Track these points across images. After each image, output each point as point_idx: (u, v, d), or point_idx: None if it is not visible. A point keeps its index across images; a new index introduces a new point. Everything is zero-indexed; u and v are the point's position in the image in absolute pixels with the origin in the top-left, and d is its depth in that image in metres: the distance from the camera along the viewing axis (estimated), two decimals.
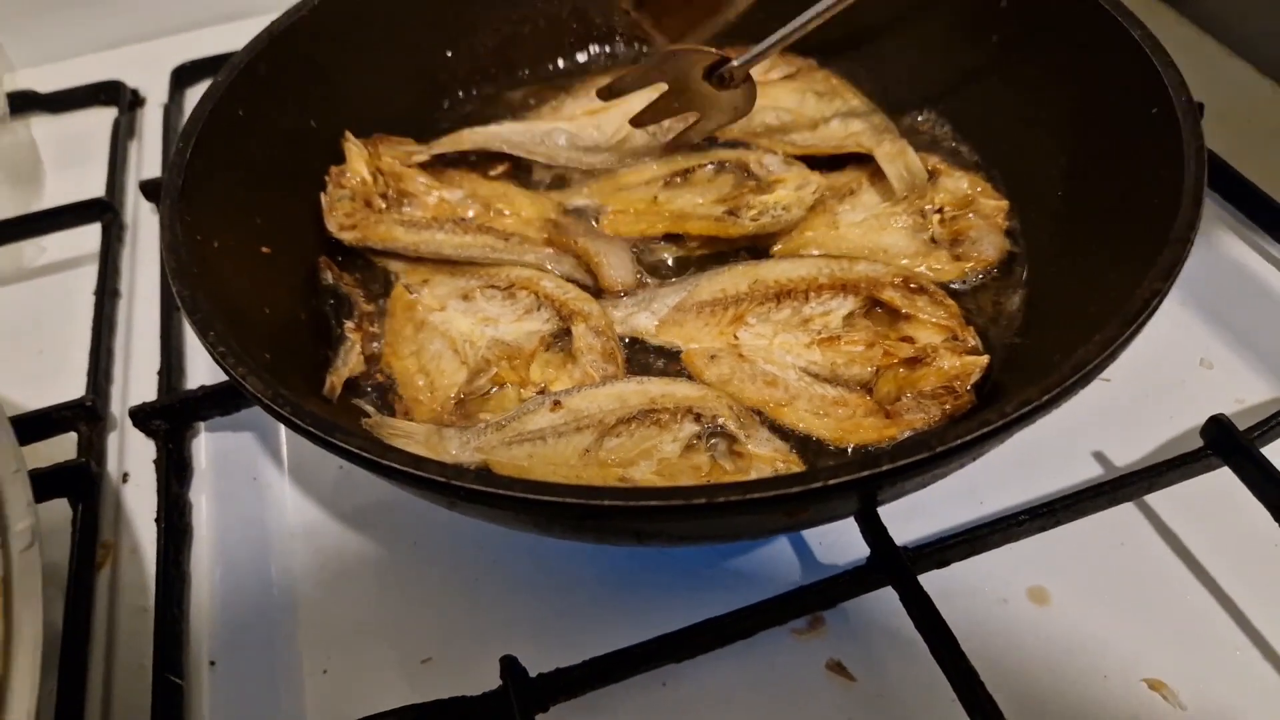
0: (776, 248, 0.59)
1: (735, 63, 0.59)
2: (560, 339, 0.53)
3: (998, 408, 0.33)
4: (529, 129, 0.66)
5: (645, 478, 0.44)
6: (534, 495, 0.32)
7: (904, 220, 0.58)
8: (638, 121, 0.64)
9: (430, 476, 0.33)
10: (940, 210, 0.58)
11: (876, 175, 0.60)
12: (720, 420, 0.46)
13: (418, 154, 0.64)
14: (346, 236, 0.59)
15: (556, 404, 0.47)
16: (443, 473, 0.33)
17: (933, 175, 0.59)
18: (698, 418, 0.46)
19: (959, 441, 0.32)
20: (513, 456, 0.45)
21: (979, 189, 0.58)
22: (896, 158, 0.59)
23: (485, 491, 0.32)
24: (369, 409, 0.51)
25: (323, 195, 0.60)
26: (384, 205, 0.60)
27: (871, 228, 0.58)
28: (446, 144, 0.65)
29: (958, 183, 0.59)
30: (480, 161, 0.66)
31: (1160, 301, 0.37)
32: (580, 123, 0.66)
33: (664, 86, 0.62)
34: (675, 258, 0.59)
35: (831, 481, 0.31)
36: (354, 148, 0.61)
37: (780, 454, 0.46)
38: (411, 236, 0.59)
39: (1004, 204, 0.57)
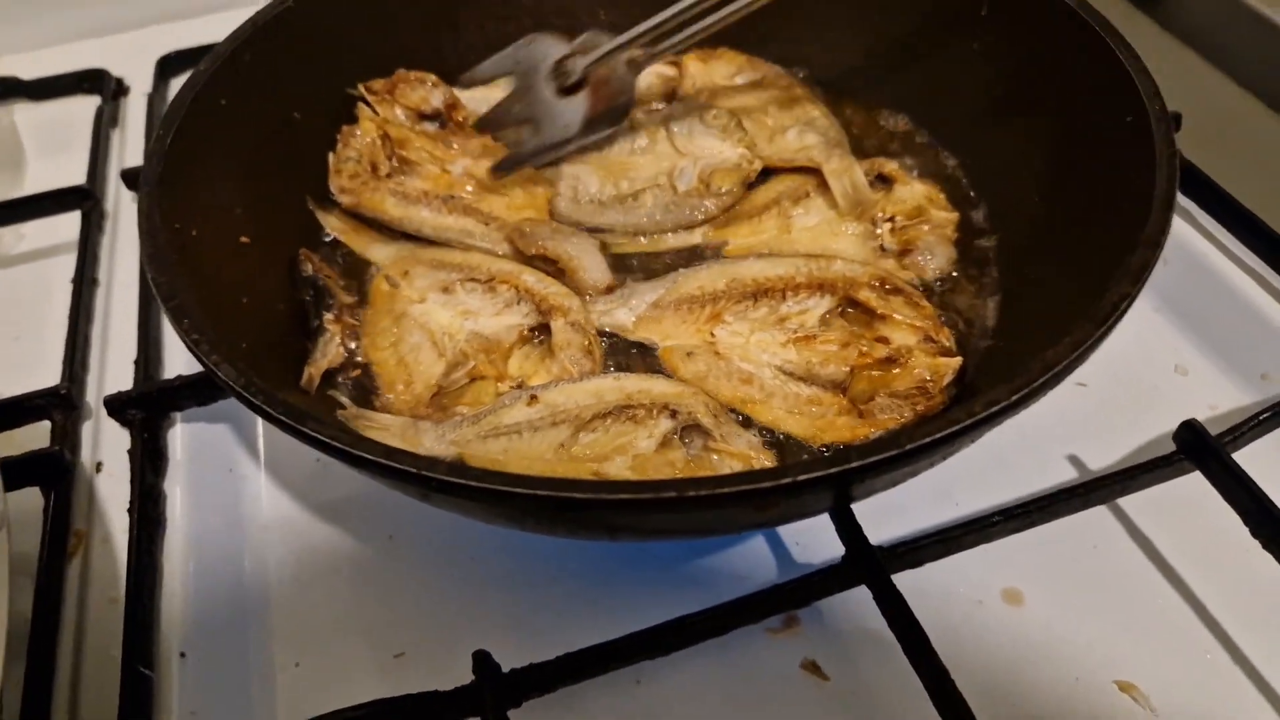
0: (728, 247, 0.59)
1: (580, 60, 0.54)
2: (539, 333, 0.53)
3: (966, 407, 0.34)
4: (485, 98, 0.66)
5: (620, 473, 0.44)
6: (506, 487, 0.32)
7: (855, 227, 0.59)
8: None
9: (402, 467, 0.32)
10: (891, 219, 0.58)
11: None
12: (696, 417, 0.46)
13: (434, 95, 0.64)
14: (344, 200, 0.60)
15: (533, 398, 0.47)
16: (415, 464, 0.32)
17: (888, 183, 0.60)
18: (673, 414, 0.46)
19: (927, 440, 0.32)
20: (488, 450, 0.45)
21: (932, 200, 0.59)
22: (842, 174, 0.60)
23: (456, 483, 0.32)
24: (345, 401, 0.51)
25: (330, 155, 0.61)
26: (388, 171, 0.61)
27: (823, 232, 0.59)
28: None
29: (912, 192, 0.59)
30: None
31: (1129, 304, 0.38)
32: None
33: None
34: (641, 254, 0.59)
35: (801, 477, 0.31)
36: (366, 109, 0.61)
37: (754, 450, 0.46)
38: (398, 210, 0.59)
39: (954, 216, 0.58)
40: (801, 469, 0.32)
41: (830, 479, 0.32)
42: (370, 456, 0.33)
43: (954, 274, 0.56)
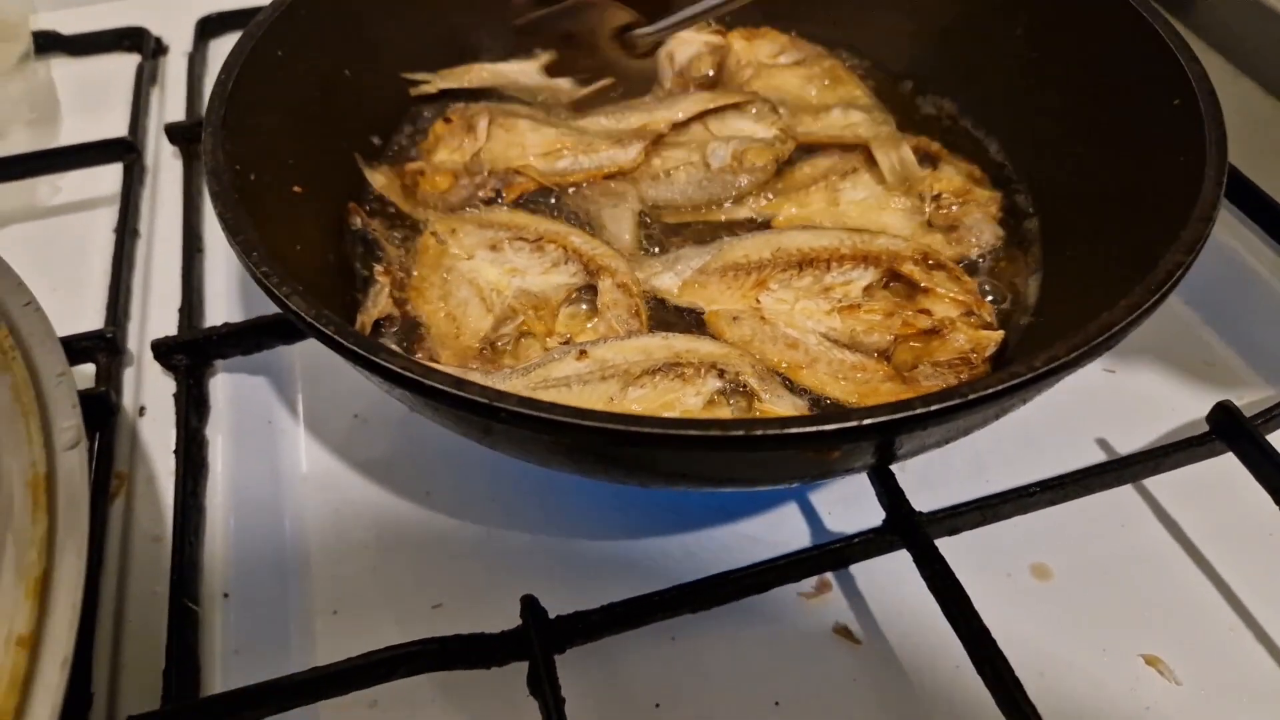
0: (777, 219, 0.60)
1: (641, 31, 0.57)
2: (585, 293, 0.54)
3: (1026, 361, 0.34)
4: (536, 72, 0.67)
5: None
6: (575, 420, 0.32)
7: (902, 202, 0.60)
8: (552, 71, 0.62)
9: (472, 397, 0.33)
10: (938, 196, 0.59)
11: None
12: (743, 377, 0.47)
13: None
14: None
15: (583, 353, 0.47)
16: (484, 394, 0.33)
17: (934, 161, 0.61)
18: (721, 374, 0.46)
19: (989, 391, 0.33)
20: (544, 393, 0.46)
21: (976, 178, 0.60)
22: (890, 150, 0.61)
23: (526, 414, 0.32)
24: (395, 348, 0.52)
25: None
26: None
27: (870, 207, 0.60)
28: (456, 78, 0.67)
29: (956, 171, 0.61)
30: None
31: (1183, 273, 0.39)
32: None
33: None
34: (692, 223, 0.61)
35: (866, 421, 0.32)
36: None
37: (798, 412, 0.47)
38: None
39: (998, 195, 0.60)
40: (865, 414, 0.32)
41: (893, 425, 0.32)
42: (441, 386, 0.33)
43: (997, 252, 0.57)
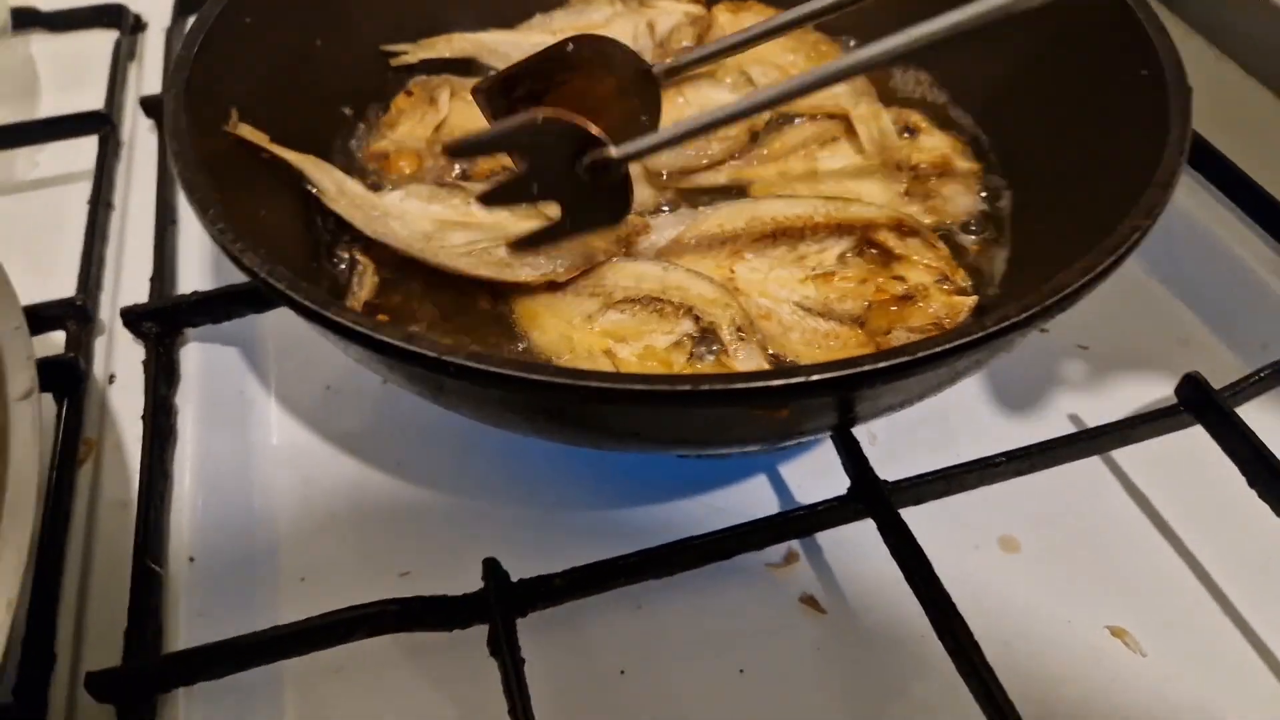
0: (754, 186, 0.60)
1: (614, 152, 0.45)
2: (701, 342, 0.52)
3: (978, 323, 0.34)
4: (516, 41, 0.67)
5: (627, 358, 0.45)
6: (522, 374, 0.32)
7: (881, 172, 0.60)
8: (486, 200, 0.49)
9: (420, 350, 0.33)
10: (915, 167, 0.59)
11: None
12: (716, 326, 0.47)
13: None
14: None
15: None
16: (433, 348, 0.33)
17: (913, 132, 0.61)
18: (696, 320, 0.46)
19: (937, 349, 0.33)
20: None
21: (955, 149, 0.60)
22: (869, 120, 0.61)
23: (475, 368, 0.32)
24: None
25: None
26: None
27: (848, 175, 0.60)
28: (435, 48, 0.66)
29: (936, 142, 0.61)
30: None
31: (1141, 236, 0.39)
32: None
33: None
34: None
35: (814, 377, 0.32)
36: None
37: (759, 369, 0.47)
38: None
39: (976, 166, 0.60)
40: (815, 369, 0.32)
41: (843, 380, 0.32)
42: (390, 340, 0.33)
43: (970, 224, 0.57)
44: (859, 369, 0.32)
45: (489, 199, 0.49)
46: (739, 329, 0.47)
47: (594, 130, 0.45)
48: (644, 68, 0.56)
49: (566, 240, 0.49)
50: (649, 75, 0.56)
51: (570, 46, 0.53)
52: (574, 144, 0.45)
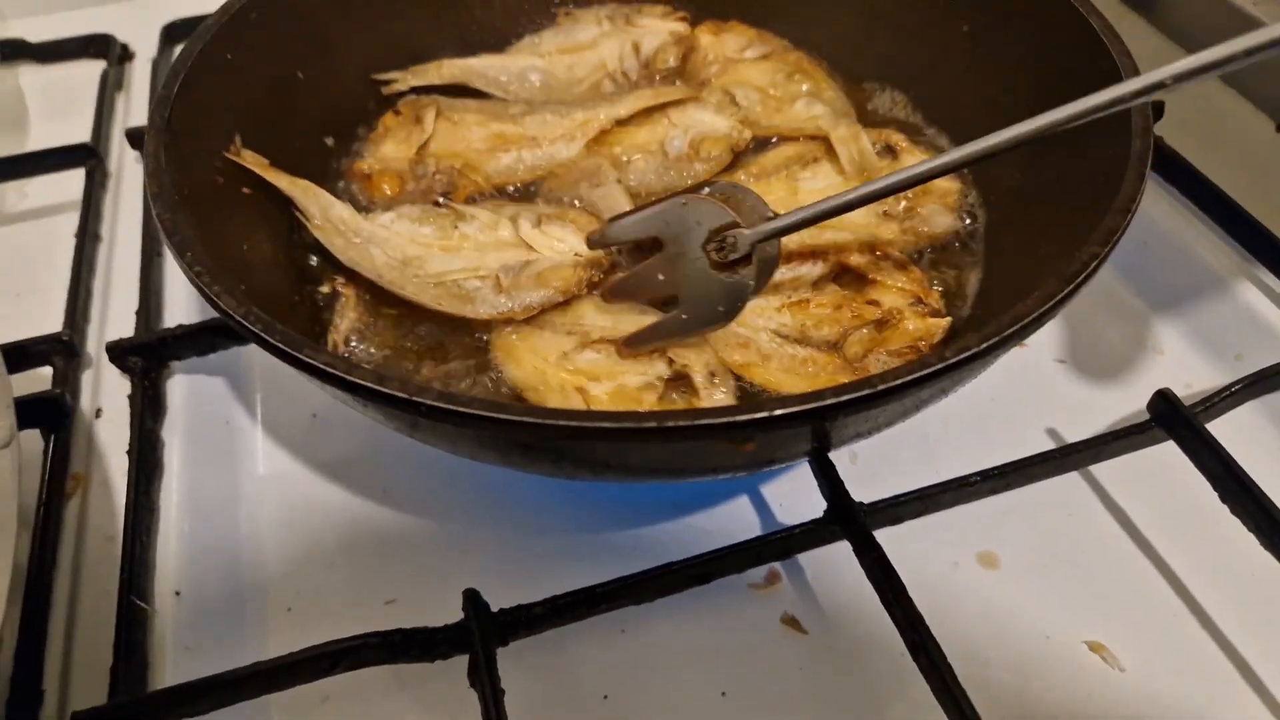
0: None
1: (748, 233, 0.46)
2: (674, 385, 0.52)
3: (938, 353, 0.35)
4: (505, 65, 0.68)
5: (599, 396, 0.45)
6: (493, 414, 0.33)
7: None
8: (612, 294, 0.51)
9: (392, 392, 0.33)
10: None
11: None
12: (690, 370, 0.47)
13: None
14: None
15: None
16: (404, 389, 0.33)
17: (894, 153, 0.62)
18: (670, 363, 0.47)
19: (898, 381, 0.34)
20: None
21: None
22: (849, 141, 0.62)
23: (445, 409, 0.33)
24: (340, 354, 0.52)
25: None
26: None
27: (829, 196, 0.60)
28: (426, 74, 0.67)
29: (915, 162, 0.61)
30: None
31: (1098, 264, 0.39)
32: (554, 61, 0.68)
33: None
34: None
35: (777, 412, 0.33)
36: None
37: None
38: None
39: (956, 186, 0.60)
40: (779, 404, 0.33)
41: (806, 414, 0.33)
42: (362, 382, 0.34)
43: (944, 247, 0.58)
44: (820, 403, 0.33)
45: (616, 292, 0.51)
46: (712, 374, 0.47)
47: (730, 213, 0.48)
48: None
49: (679, 338, 0.49)
50: None
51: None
52: (711, 223, 0.48)
